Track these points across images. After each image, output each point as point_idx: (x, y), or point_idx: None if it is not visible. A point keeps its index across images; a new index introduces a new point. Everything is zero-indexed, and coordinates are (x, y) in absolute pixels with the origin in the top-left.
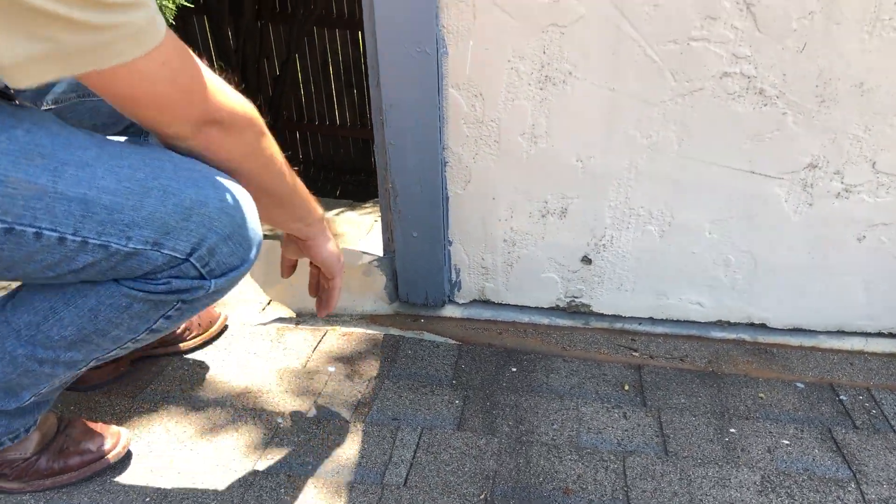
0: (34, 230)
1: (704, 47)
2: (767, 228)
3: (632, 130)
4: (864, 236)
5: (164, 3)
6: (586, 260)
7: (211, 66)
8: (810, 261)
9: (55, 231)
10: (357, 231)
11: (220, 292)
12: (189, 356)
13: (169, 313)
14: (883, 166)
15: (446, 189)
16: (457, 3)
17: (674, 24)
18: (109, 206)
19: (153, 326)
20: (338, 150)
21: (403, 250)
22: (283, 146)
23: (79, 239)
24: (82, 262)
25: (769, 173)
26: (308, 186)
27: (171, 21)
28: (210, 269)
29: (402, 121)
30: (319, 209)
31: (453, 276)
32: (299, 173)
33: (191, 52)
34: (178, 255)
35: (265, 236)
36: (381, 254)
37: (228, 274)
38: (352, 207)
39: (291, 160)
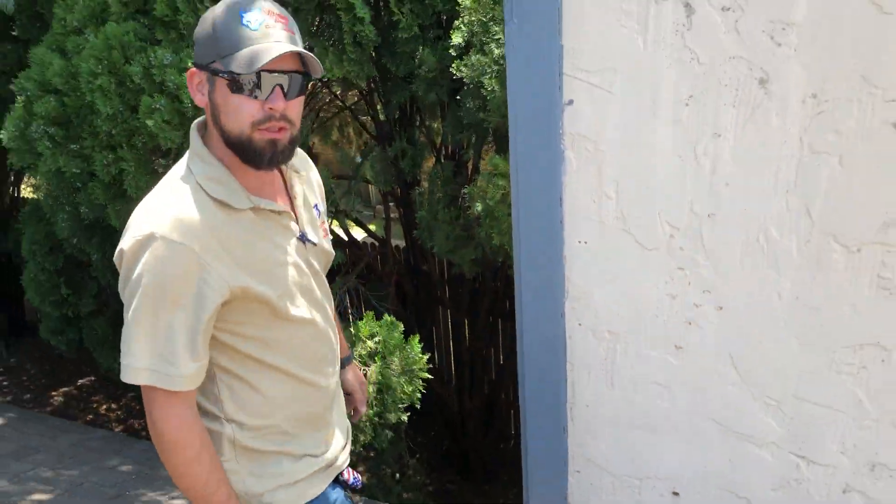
0: None
1: None
2: None
3: None
4: None
5: (418, 380)
6: None
7: (448, 357)
8: None
9: None
10: None
11: None
12: None
13: None
14: None
15: None
16: (579, 484)
17: None
18: None
19: None
20: None
21: None
22: (501, 421)
23: None
24: None
25: None
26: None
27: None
28: None
29: None
30: None
31: None
32: (509, 448)
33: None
34: None
35: None
36: None
37: None
38: None
39: (505, 436)
